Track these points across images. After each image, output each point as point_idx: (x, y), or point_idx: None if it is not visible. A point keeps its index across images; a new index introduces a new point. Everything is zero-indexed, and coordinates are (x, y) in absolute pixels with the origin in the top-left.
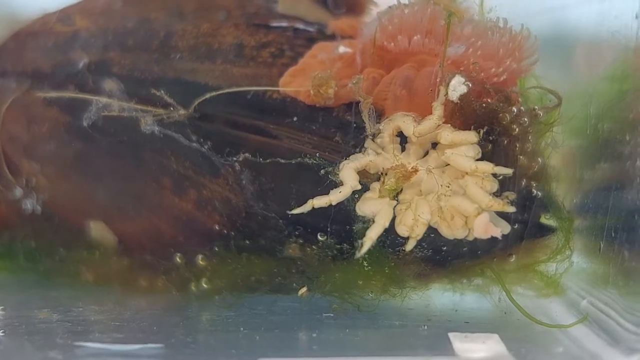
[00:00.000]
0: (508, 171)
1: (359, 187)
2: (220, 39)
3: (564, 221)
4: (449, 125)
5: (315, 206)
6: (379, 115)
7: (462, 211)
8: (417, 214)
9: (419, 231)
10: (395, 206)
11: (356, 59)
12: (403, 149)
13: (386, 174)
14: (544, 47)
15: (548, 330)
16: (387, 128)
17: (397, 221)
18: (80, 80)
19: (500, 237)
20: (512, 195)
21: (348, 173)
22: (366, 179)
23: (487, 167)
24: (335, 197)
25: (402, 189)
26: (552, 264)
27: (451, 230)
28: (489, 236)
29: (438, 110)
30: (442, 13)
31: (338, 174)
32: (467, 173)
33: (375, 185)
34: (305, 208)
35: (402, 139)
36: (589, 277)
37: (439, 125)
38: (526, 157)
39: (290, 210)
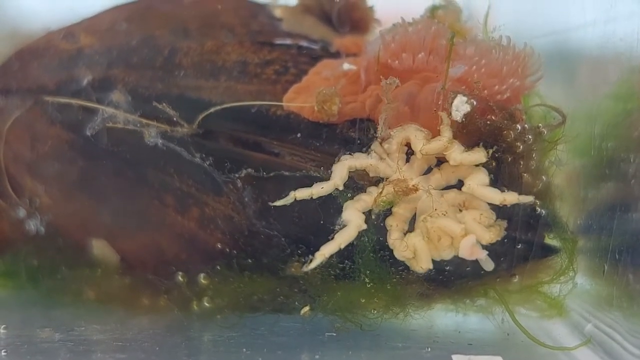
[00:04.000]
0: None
1: (341, 187)
2: (224, 57)
3: (567, 242)
4: (458, 143)
5: (297, 198)
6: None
7: (448, 232)
8: (417, 260)
9: (413, 266)
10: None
11: (360, 76)
12: (408, 160)
13: (385, 184)
14: (548, 67)
15: (551, 353)
16: (398, 136)
17: (391, 239)
18: (84, 97)
19: (484, 265)
20: (504, 225)
21: (340, 170)
22: (363, 181)
23: (513, 197)
24: (317, 190)
25: None
26: (556, 285)
27: (438, 251)
28: (474, 258)
29: (447, 132)
30: (446, 31)
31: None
32: (498, 204)
33: (372, 190)
34: (287, 200)
35: (409, 150)
36: (592, 299)
37: (450, 142)
38: (530, 175)
39: (273, 203)
